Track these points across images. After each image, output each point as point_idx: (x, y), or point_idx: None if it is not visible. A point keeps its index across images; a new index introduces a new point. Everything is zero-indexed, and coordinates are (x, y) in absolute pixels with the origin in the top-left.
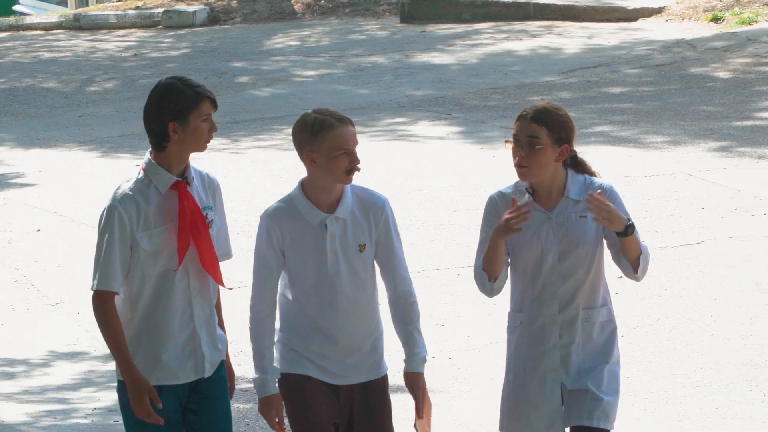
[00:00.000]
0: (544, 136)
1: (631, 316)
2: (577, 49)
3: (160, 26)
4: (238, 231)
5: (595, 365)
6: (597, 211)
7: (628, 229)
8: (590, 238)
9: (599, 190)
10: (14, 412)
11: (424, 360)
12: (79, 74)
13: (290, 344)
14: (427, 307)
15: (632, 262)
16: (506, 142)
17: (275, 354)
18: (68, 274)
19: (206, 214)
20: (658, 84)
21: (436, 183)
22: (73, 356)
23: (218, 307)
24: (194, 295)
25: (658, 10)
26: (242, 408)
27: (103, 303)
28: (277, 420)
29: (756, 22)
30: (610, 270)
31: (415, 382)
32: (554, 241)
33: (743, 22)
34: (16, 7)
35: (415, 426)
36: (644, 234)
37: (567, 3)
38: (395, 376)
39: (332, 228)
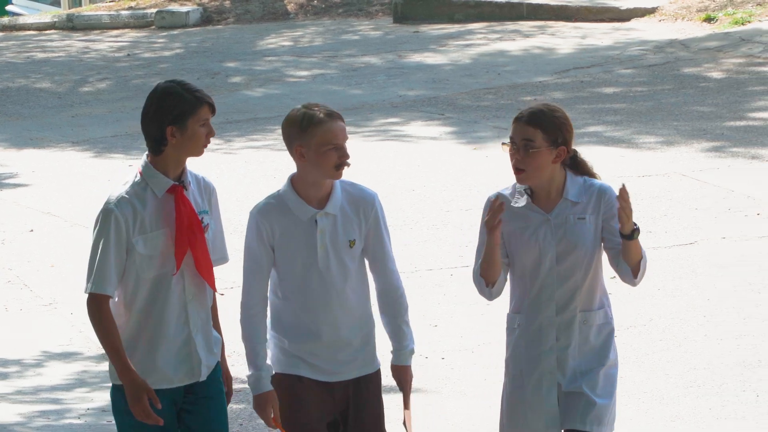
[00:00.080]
0: (540, 139)
1: (624, 317)
2: (570, 50)
3: (153, 26)
4: (231, 231)
5: (591, 368)
6: (625, 204)
7: (635, 233)
8: (588, 240)
9: (621, 186)
10: (7, 413)
11: (413, 352)
12: (72, 74)
13: (281, 344)
14: (420, 307)
15: (632, 266)
16: (503, 144)
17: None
18: (61, 274)
19: (202, 218)
20: (652, 84)
21: (429, 183)
22: (66, 356)
23: (214, 309)
24: (189, 300)
25: (651, 10)
26: (235, 408)
27: (98, 306)
28: (273, 416)
29: (749, 22)
30: (604, 271)
31: (403, 375)
32: (552, 243)
33: (736, 22)
34: (9, 8)
35: (404, 419)
36: None
37: (560, 3)
38: (387, 376)
39: (322, 223)
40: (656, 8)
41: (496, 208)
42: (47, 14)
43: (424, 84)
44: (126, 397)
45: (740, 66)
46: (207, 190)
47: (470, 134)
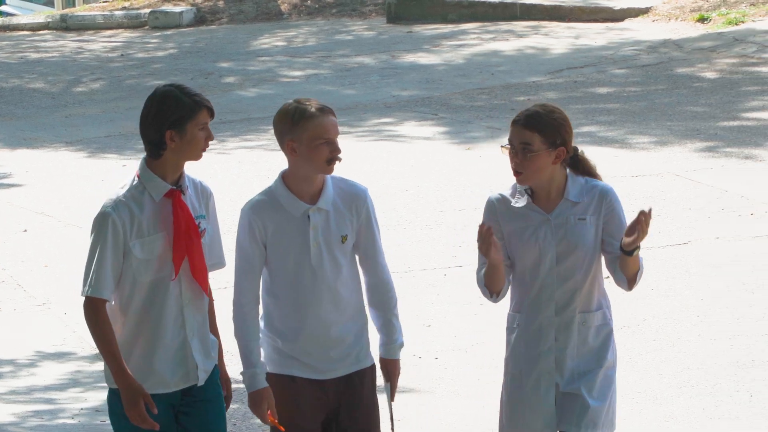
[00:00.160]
0: (537, 142)
1: (618, 317)
2: (563, 50)
3: (147, 27)
4: (224, 232)
5: (589, 369)
6: (644, 228)
7: (635, 250)
8: (589, 241)
9: (649, 209)
10: (1, 413)
11: (402, 346)
12: (66, 75)
13: (274, 343)
14: (414, 307)
15: (629, 277)
16: (502, 147)
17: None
18: (55, 274)
19: (199, 222)
20: (645, 84)
21: (423, 183)
22: (60, 356)
23: (211, 313)
24: (186, 303)
25: (644, 11)
26: (229, 408)
27: (94, 310)
28: (269, 411)
29: (743, 22)
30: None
31: (393, 369)
32: (552, 243)
33: (730, 23)
34: (2, 8)
35: (390, 411)
36: None
37: (553, 3)
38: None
39: (315, 219)
40: (650, 8)
41: (484, 234)
42: (41, 14)
43: (417, 84)
44: (122, 401)
45: (734, 66)
46: (204, 194)
47: (464, 134)
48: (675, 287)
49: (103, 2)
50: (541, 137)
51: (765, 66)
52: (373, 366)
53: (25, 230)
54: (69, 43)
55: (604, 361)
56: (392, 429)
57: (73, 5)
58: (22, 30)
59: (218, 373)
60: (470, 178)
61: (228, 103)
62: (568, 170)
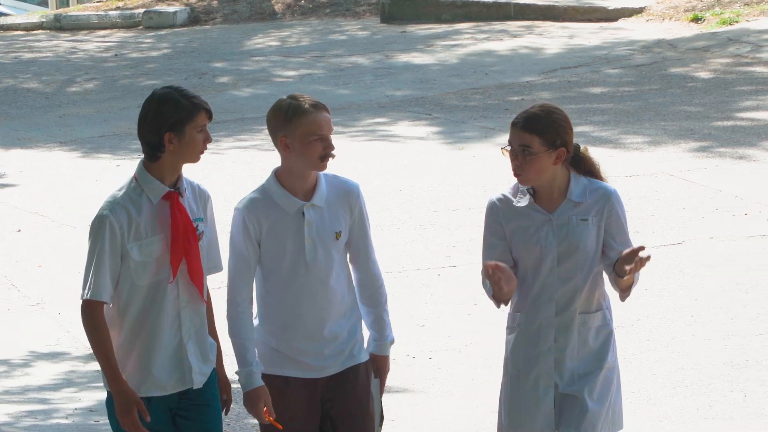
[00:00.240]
0: (537, 144)
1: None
2: (557, 49)
3: (141, 27)
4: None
5: (589, 371)
6: (637, 267)
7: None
8: (590, 242)
9: (646, 256)
10: None
11: (392, 342)
12: (60, 75)
13: (269, 343)
14: (408, 307)
15: (621, 288)
16: (502, 149)
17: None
18: (49, 274)
19: (197, 225)
20: (639, 84)
21: (417, 183)
22: (54, 356)
23: (210, 316)
24: (183, 306)
25: (638, 10)
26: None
27: (92, 313)
28: (265, 409)
29: (737, 22)
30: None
31: (383, 365)
32: (554, 244)
33: (724, 22)
34: None
35: (380, 406)
36: None
37: (547, 3)
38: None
39: (309, 216)
40: (644, 8)
41: (491, 274)
42: (35, 14)
43: (411, 84)
44: (115, 407)
45: (727, 66)
46: (202, 197)
47: (457, 134)
48: (669, 287)
49: (97, 2)
50: (541, 139)
51: (759, 66)
52: (368, 361)
53: (19, 230)
54: (63, 43)
55: (604, 363)
56: (381, 424)
57: (67, 5)
58: (16, 30)
59: (216, 376)
60: (464, 178)
61: (222, 103)
62: (570, 170)
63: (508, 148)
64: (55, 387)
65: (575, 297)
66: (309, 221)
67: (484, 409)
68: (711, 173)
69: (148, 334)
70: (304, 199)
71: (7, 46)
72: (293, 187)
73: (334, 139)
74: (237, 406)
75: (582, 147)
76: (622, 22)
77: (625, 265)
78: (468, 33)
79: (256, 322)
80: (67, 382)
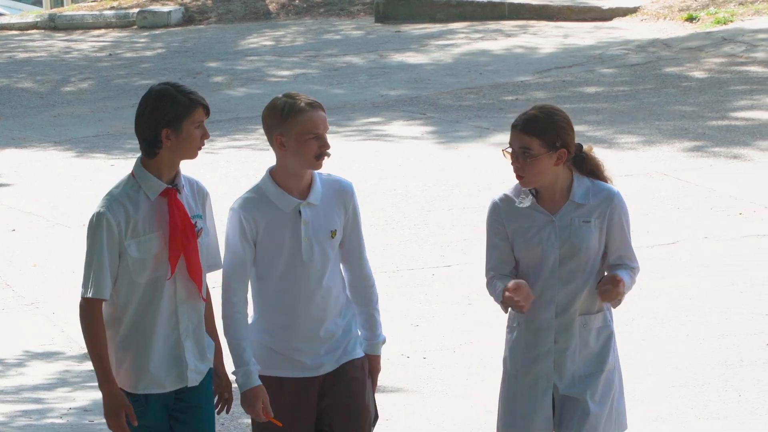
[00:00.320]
0: (537, 146)
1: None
2: (552, 49)
3: (135, 26)
4: None
5: (591, 372)
6: (604, 295)
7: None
8: (593, 244)
9: (616, 277)
10: None
11: (384, 342)
12: (54, 74)
13: (265, 343)
14: (402, 306)
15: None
16: (503, 151)
17: None
18: (43, 274)
19: (195, 222)
20: (633, 84)
21: (411, 183)
22: (48, 356)
23: (209, 314)
24: (180, 303)
25: (633, 10)
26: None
27: (91, 311)
28: (263, 408)
29: (731, 21)
30: None
31: (375, 364)
32: (555, 245)
33: (718, 22)
34: None
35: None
36: None
37: (542, 3)
38: None
39: (306, 214)
40: (638, 8)
41: (512, 304)
42: (29, 14)
43: (405, 84)
44: (103, 408)
45: (722, 65)
46: (201, 194)
47: (452, 134)
48: (664, 287)
49: (92, 2)
50: (540, 141)
51: (753, 65)
52: (363, 357)
53: (14, 230)
54: (57, 42)
55: (606, 364)
56: (374, 423)
57: (62, 5)
58: (11, 30)
59: (211, 377)
60: (458, 177)
61: (216, 102)
62: (573, 170)
63: (509, 150)
64: (50, 386)
65: (576, 298)
66: (306, 220)
67: (479, 408)
68: (705, 173)
69: (146, 331)
70: (300, 198)
71: (1, 46)
72: (288, 186)
73: (329, 139)
74: (233, 406)
75: (586, 146)
76: (616, 22)
77: (601, 287)
78: (462, 33)
79: (251, 321)
80: (62, 381)
